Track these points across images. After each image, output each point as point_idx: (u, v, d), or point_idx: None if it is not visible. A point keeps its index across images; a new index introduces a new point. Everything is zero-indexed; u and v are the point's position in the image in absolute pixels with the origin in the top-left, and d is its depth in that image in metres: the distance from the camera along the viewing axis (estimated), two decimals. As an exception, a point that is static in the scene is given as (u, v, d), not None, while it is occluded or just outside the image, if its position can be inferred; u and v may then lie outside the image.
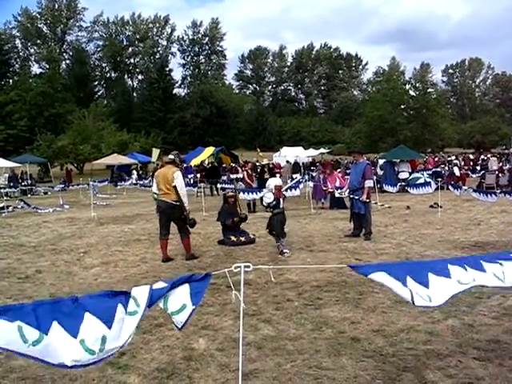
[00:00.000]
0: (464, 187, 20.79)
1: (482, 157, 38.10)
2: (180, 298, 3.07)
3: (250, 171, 17.90)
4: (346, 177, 18.22)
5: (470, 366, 4.22)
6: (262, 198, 10.20)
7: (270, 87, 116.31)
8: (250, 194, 15.72)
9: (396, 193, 22.44)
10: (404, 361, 4.38)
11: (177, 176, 8.86)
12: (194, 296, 3.08)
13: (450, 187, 17.07)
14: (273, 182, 10.02)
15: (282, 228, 9.50)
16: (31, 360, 2.60)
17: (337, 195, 14.69)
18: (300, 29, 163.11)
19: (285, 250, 9.17)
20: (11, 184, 29.52)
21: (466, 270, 3.50)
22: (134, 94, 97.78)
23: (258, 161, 21.30)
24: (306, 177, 22.20)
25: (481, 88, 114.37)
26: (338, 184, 17.17)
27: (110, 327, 2.77)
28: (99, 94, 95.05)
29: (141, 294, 2.92)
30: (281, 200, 9.62)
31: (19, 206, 19.28)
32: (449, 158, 37.40)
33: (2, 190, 24.39)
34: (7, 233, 13.16)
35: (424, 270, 3.49)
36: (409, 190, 21.72)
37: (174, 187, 8.79)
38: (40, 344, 2.56)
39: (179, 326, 3.20)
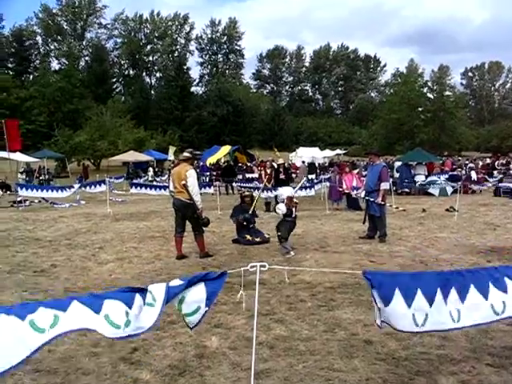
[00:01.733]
0: (487, 183, 20.62)
1: (501, 161, 37.73)
2: (195, 301, 3.09)
3: (268, 171, 17.76)
4: (363, 178, 18.17)
5: (483, 373, 4.18)
6: (274, 208, 10.22)
7: (287, 87, 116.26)
8: (266, 192, 15.72)
9: (412, 195, 22.37)
10: (416, 365, 4.35)
11: (189, 174, 8.84)
12: (208, 298, 3.10)
13: (469, 186, 17.00)
14: (285, 191, 10.01)
15: (288, 234, 9.51)
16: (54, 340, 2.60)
17: (353, 195, 14.68)
18: (320, 30, 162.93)
19: (289, 251, 9.23)
20: (27, 179, 29.80)
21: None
22: (152, 92, 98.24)
23: (273, 160, 21.17)
24: (322, 177, 22.18)
25: (500, 92, 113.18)
26: (355, 184, 17.12)
27: (130, 308, 2.80)
28: (117, 90, 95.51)
29: (157, 289, 2.94)
30: (293, 210, 9.59)
31: (36, 201, 19.49)
32: (466, 162, 37.10)
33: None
34: (24, 226, 13.29)
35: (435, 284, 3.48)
36: (428, 190, 21.74)
37: (185, 185, 8.79)
38: (57, 324, 2.57)
39: (191, 326, 3.23)
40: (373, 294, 3.32)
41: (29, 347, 2.50)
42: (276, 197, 10.27)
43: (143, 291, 2.92)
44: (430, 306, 3.36)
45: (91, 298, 2.77)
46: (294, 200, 9.83)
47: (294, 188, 11.58)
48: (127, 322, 2.76)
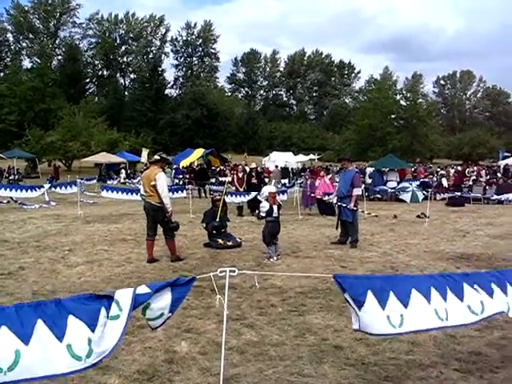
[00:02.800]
0: (457, 193, 21.11)
1: (470, 169, 38.38)
2: (159, 308, 3.10)
3: (240, 175, 17.76)
4: (335, 184, 18.30)
5: (451, 378, 4.24)
6: (251, 206, 10.24)
7: (261, 91, 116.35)
8: (238, 197, 15.70)
9: (384, 201, 22.60)
10: (386, 370, 4.39)
11: (158, 177, 8.80)
12: (173, 305, 3.10)
13: (437, 195, 17.30)
14: (267, 189, 10.15)
15: (271, 237, 9.40)
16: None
17: (326, 200, 14.79)
18: (296, 35, 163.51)
19: (272, 256, 9.17)
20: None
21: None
22: (126, 93, 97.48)
23: (246, 164, 21.21)
24: (296, 182, 22.25)
25: (471, 100, 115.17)
26: (327, 190, 17.24)
27: (93, 331, 2.75)
28: (90, 91, 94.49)
29: (124, 297, 2.90)
30: (275, 208, 9.50)
31: (4, 201, 19.13)
32: (437, 169, 37.64)
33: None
34: (-9, 228, 13.04)
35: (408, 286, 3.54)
36: (400, 196, 22.04)
37: (154, 187, 8.72)
38: (16, 367, 2.51)
39: (153, 328, 3.24)
40: (345, 297, 3.34)
41: None
42: (248, 202, 10.33)
43: (109, 301, 2.87)
44: (406, 307, 3.40)
45: (55, 311, 2.70)
46: (277, 199, 9.86)
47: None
48: (89, 352, 2.72)
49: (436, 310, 3.53)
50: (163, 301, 3.07)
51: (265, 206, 9.47)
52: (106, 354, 2.80)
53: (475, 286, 3.74)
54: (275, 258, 9.17)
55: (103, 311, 2.81)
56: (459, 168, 40.75)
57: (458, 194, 19.98)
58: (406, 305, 3.42)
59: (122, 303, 2.88)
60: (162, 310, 3.10)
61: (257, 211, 10.08)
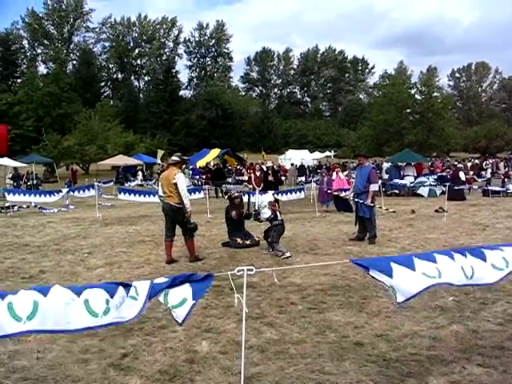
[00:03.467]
0: (474, 186, 20.85)
1: (490, 161, 38.01)
2: (181, 293, 3.08)
3: (257, 173, 17.71)
4: (352, 180, 18.23)
5: (473, 373, 4.19)
6: (256, 215, 10.42)
7: (275, 90, 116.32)
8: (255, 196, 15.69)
9: (401, 196, 22.47)
10: (407, 366, 4.35)
11: (178, 177, 8.84)
12: (195, 293, 3.09)
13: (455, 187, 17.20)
14: (266, 198, 10.52)
15: (278, 237, 9.71)
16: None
17: (342, 196, 14.78)
18: (309, 32, 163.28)
19: (284, 252, 9.25)
20: (14, 184, 29.54)
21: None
22: (141, 96, 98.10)
23: (263, 163, 21.23)
24: (312, 179, 22.20)
25: (487, 92, 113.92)
26: (342, 186, 17.21)
27: (112, 296, 2.77)
28: (105, 94, 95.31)
29: (141, 286, 2.93)
30: (277, 213, 9.97)
31: (24, 206, 19.34)
32: (454, 163, 37.32)
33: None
34: (12, 232, 13.17)
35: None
36: (417, 191, 21.89)
37: (175, 186, 8.76)
38: (36, 315, 2.54)
39: (179, 321, 3.22)
40: (372, 275, 3.33)
41: (4, 331, 2.47)
42: (256, 215, 10.49)
43: (127, 286, 2.90)
44: (435, 262, 3.48)
45: (73, 287, 2.75)
46: (276, 205, 10.18)
47: (272, 194, 12.02)
48: (106, 310, 2.74)
49: (462, 267, 3.60)
50: (182, 288, 3.07)
51: (266, 212, 9.91)
52: (122, 320, 2.83)
53: (494, 250, 3.86)
54: (288, 253, 9.23)
55: (121, 289, 2.85)
56: (476, 161, 40.39)
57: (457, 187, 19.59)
58: (434, 261, 3.50)
59: (140, 289, 2.91)
60: (184, 295, 3.09)
61: (259, 216, 10.35)
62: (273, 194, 12.36)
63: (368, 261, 3.50)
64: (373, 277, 3.37)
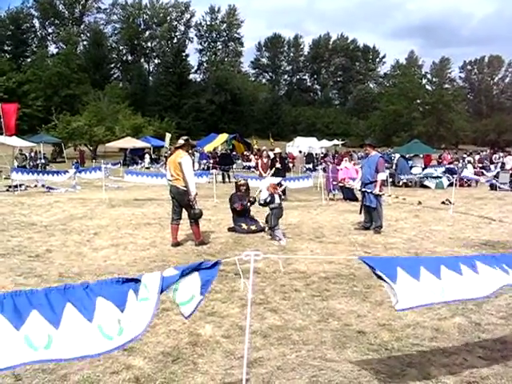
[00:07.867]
0: (481, 178, 20.75)
1: (499, 155, 37.75)
2: (189, 290, 3.08)
3: (264, 160, 17.68)
4: (358, 169, 18.22)
5: (475, 365, 4.20)
6: (259, 200, 10.48)
7: (285, 76, 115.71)
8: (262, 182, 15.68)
9: (409, 187, 22.42)
10: (409, 356, 4.37)
11: (184, 160, 8.85)
12: (202, 287, 3.10)
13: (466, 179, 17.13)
14: (266, 181, 10.79)
15: (277, 220, 9.72)
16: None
17: (347, 186, 14.76)
18: (323, 20, 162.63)
19: (281, 239, 9.36)
20: (23, 163, 29.59)
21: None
22: (150, 78, 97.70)
23: (271, 149, 21.16)
24: (319, 167, 22.15)
25: (499, 86, 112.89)
26: (349, 175, 17.16)
27: (123, 311, 2.77)
28: (115, 76, 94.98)
29: (151, 280, 2.92)
30: (276, 196, 9.89)
31: (32, 185, 19.44)
32: (463, 156, 37.12)
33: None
34: (19, 211, 13.25)
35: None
36: (424, 182, 21.86)
37: (180, 166, 8.76)
38: (50, 347, 2.55)
39: (186, 315, 3.22)
40: (377, 274, 3.32)
41: (21, 360, 2.48)
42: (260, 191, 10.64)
43: (136, 284, 2.89)
44: (439, 278, 3.41)
45: (83, 294, 2.73)
46: (278, 188, 10.24)
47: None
48: (120, 331, 2.74)
49: (469, 284, 3.53)
50: (192, 283, 3.07)
51: (264, 194, 10.04)
52: (137, 334, 2.82)
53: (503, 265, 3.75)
54: (285, 240, 9.30)
55: (132, 293, 2.83)
56: (484, 153, 40.13)
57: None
58: (438, 277, 3.43)
59: (150, 286, 2.89)
60: (192, 292, 3.10)
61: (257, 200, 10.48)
62: (279, 182, 12.40)
63: (375, 260, 3.47)
64: (378, 276, 3.36)
